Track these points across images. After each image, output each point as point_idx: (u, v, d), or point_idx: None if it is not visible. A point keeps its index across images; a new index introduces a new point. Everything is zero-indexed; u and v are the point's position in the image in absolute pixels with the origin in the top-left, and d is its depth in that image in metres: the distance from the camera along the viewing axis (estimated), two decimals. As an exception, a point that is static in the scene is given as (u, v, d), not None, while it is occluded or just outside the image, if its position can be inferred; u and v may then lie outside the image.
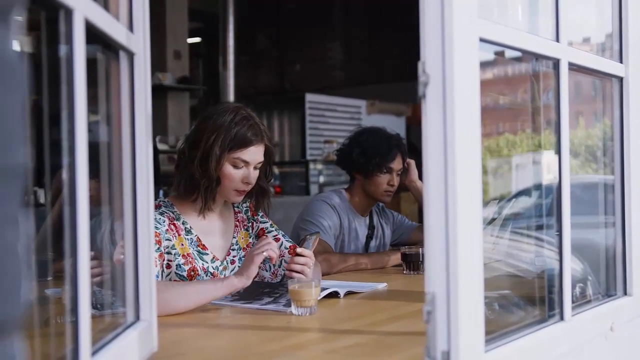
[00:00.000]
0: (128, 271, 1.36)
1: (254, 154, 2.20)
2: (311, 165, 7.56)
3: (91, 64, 1.08)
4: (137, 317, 1.37)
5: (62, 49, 1.02)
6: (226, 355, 1.56)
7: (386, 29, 9.27)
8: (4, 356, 0.56)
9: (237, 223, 2.37)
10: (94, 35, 1.11)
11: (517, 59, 1.74)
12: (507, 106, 2.06)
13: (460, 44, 1.16)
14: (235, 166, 2.18)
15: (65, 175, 1.02)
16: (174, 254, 2.14)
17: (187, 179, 2.19)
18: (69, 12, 0.99)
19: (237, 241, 2.35)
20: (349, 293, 2.17)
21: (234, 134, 2.16)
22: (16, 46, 0.58)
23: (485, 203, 1.29)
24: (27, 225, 0.59)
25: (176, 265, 2.15)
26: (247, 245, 2.36)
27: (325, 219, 2.92)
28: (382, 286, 2.34)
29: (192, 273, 2.17)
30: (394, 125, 6.92)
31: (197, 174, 2.16)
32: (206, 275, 2.20)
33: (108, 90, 1.35)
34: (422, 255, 2.63)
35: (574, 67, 1.58)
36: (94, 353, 1.08)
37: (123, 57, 1.34)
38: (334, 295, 2.10)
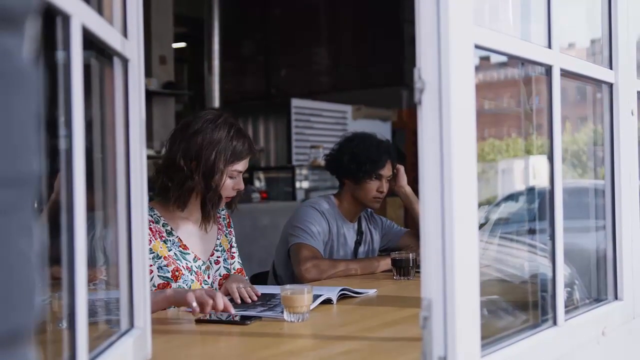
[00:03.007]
0: (122, 279, 1.36)
1: (246, 163, 2.33)
2: (297, 171, 7.54)
3: (85, 70, 1.08)
4: (132, 325, 1.36)
5: (59, 55, 1.01)
6: (220, 362, 1.56)
7: (372, 35, 9.31)
8: None
9: (220, 226, 2.45)
10: (88, 41, 1.10)
11: (502, 64, 1.75)
12: (492, 111, 2.07)
13: (456, 50, 1.17)
14: (231, 177, 2.28)
15: (61, 181, 1.01)
16: (153, 258, 2.18)
17: (188, 192, 2.25)
18: (66, 18, 0.99)
19: (220, 242, 2.42)
20: (342, 297, 2.18)
21: (233, 149, 2.25)
22: (29, 55, 0.57)
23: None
24: (40, 233, 0.59)
25: (158, 267, 2.19)
26: (227, 249, 2.45)
27: (314, 224, 2.91)
28: (372, 292, 2.34)
29: (177, 273, 2.22)
30: (380, 130, 6.92)
31: (199, 189, 2.25)
32: (190, 274, 2.25)
33: (102, 96, 1.35)
34: (412, 260, 2.64)
35: (565, 73, 1.59)
36: (90, 361, 1.08)
37: (117, 63, 1.33)
38: (326, 301, 2.10)
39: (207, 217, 2.30)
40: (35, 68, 0.58)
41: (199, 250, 2.33)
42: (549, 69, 1.52)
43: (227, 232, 2.48)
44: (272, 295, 2.18)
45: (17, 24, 0.55)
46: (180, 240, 2.28)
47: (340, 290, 2.17)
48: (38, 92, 0.58)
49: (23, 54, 0.56)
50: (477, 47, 1.25)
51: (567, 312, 1.56)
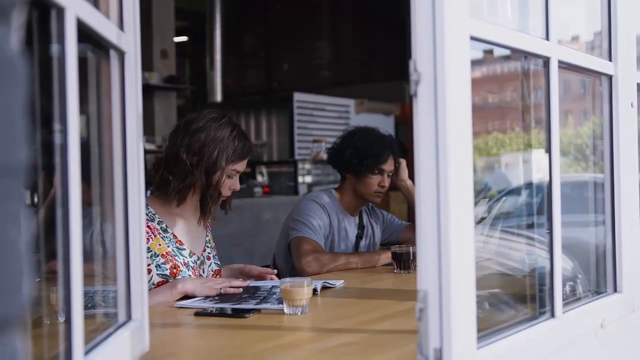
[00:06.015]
0: (119, 271, 1.36)
1: (245, 164, 2.37)
2: (300, 165, 7.54)
3: (80, 63, 1.08)
4: (129, 317, 1.36)
5: (54, 48, 1.01)
6: (218, 354, 1.56)
7: (374, 28, 9.30)
8: (7, 352, 0.56)
9: (208, 225, 2.49)
10: (84, 34, 1.10)
11: (506, 57, 1.75)
12: (496, 105, 2.07)
13: (451, 42, 1.17)
14: (229, 176, 2.31)
15: (56, 176, 1.02)
16: (151, 256, 2.20)
17: (187, 187, 2.27)
18: (60, 11, 0.99)
19: (209, 240, 2.47)
20: (324, 288, 2.23)
21: (235, 148, 2.29)
22: (16, 45, 0.58)
23: (475, 202, 1.29)
24: (28, 222, 0.60)
25: (156, 266, 2.20)
26: (214, 247, 2.50)
27: (315, 218, 2.92)
28: (339, 283, 2.36)
29: (175, 270, 2.24)
30: (383, 124, 6.92)
31: (199, 185, 2.28)
32: (187, 270, 2.28)
33: (98, 89, 1.35)
34: (413, 254, 2.64)
35: (563, 65, 1.58)
36: (86, 353, 1.08)
37: (113, 56, 1.33)
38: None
39: (205, 212, 2.33)
40: (22, 59, 0.58)
41: (193, 246, 2.36)
42: (546, 61, 1.52)
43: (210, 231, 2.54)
44: (257, 288, 2.20)
45: (3, 15, 0.55)
46: (175, 236, 2.31)
47: (322, 286, 2.22)
48: (25, 83, 0.58)
49: (10, 45, 0.56)
50: (473, 38, 1.24)
51: (565, 304, 1.56)
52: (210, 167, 2.25)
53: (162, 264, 2.21)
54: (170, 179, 2.26)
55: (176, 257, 2.26)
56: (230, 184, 2.32)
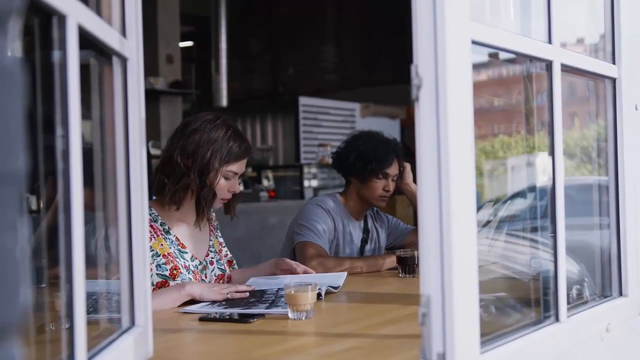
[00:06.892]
0: (123, 277, 1.36)
1: (243, 165, 2.35)
2: (305, 169, 7.54)
3: (84, 70, 1.08)
4: (133, 323, 1.36)
5: (55, 55, 1.02)
6: (222, 360, 1.56)
7: (379, 31, 9.29)
8: (5, 359, 0.56)
9: (212, 228, 2.49)
10: (86, 40, 1.11)
11: (511, 61, 1.74)
12: (502, 108, 2.06)
13: (452, 46, 1.17)
14: (226, 178, 2.31)
15: (59, 181, 1.02)
16: (152, 255, 2.21)
17: (183, 189, 2.27)
18: (62, 18, 0.99)
19: (212, 244, 2.46)
20: (328, 293, 2.23)
21: (229, 149, 2.28)
22: (14, 53, 0.58)
23: (480, 205, 1.29)
24: (25, 230, 0.60)
25: (156, 265, 2.21)
26: (218, 251, 2.48)
27: (319, 222, 2.92)
28: (342, 278, 2.38)
29: (175, 272, 2.25)
30: (388, 128, 6.93)
31: (194, 186, 2.27)
32: (188, 273, 2.28)
33: (101, 95, 1.35)
34: (417, 258, 2.63)
35: (566, 69, 1.58)
36: (89, 359, 1.08)
37: (116, 62, 1.33)
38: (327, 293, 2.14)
39: (201, 214, 2.33)
40: (20, 66, 0.58)
41: (196, 250, 2.36)
42: (549, 65, 1.52)
43: (217, 234, 2.53)
44: (263, 292, 2.21)
45: (0, 23, 0.55)
46: (177, 239, 2.31)
47: (326, 290, 2.21)
48: (23, 91, 0.59)
49: (7, 53, 0.57)
50: (475, 42, 1.24)
51: (570, 308, 1.56)
52: (203, 168, 2.25)
53: (163, 264, 2.22)
54: (165, 181, 2.26)
55: (177, 259, 2.26)
56: (229, 186, 2.31)
